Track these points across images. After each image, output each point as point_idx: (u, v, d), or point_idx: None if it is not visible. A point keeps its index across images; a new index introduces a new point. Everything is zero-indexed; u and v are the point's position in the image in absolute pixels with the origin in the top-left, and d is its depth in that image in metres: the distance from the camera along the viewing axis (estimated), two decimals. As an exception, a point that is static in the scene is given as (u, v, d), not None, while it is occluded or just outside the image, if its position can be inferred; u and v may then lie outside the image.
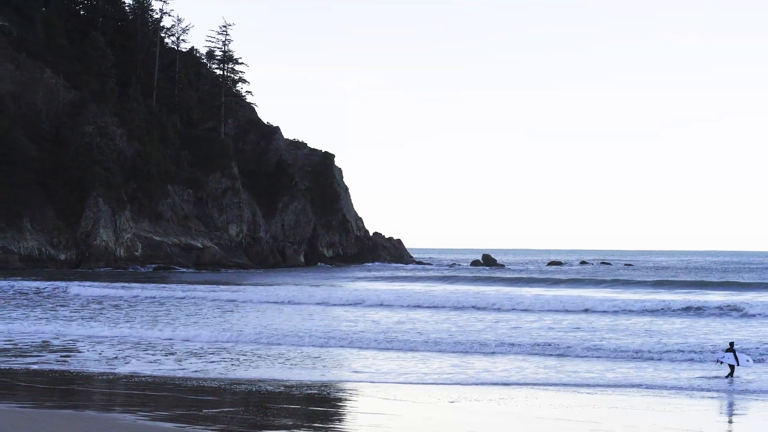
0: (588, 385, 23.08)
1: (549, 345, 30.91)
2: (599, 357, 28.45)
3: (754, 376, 24.98)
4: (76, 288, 57.57)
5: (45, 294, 54.99)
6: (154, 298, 53.45)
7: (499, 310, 46.16)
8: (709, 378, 24.54)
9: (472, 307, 47.62)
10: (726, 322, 40.13)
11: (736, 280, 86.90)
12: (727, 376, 24.68)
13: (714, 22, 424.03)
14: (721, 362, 25.26)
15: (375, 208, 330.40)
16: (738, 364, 25.00)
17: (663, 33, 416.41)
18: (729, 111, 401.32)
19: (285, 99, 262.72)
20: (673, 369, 26.31)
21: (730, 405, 21.06)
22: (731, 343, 25.91)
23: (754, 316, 42.68)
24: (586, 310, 45.39)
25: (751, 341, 31.64)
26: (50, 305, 47.36)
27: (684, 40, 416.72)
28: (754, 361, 26.10)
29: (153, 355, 28.14)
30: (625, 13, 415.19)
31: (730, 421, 19.23)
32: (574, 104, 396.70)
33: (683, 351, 29.53)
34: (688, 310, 44.85)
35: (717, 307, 45.34)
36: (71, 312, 43.41)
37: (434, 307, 48.19)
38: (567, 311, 45.33)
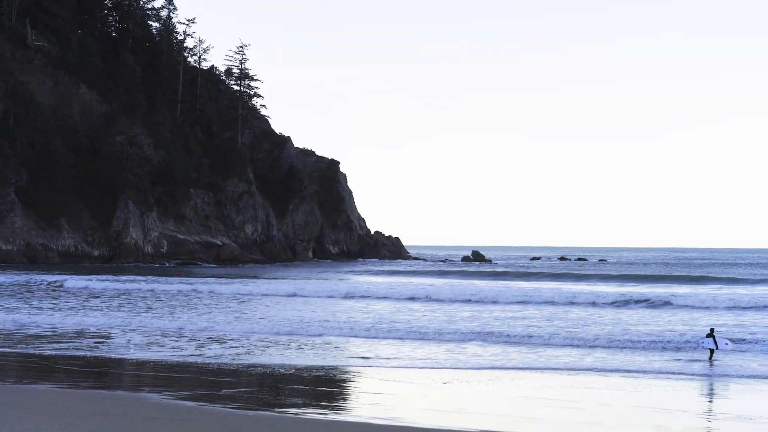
0: (568, 369, 23.07)
1: (531, 335, 30.89)
2: (576, 345, 28.39)
3: (717, 361, 24.96)
4: (108, 283, 57.56)
5: (81, 286, 54.94)
6: (179, 291, 53.40)
7: (480, 302, 45.99)
8: (676, 362, 24.55)
9: (461, 299, 47.55)
10: (687, 312, 40.16)
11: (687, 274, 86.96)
12: (710, 358, 24.73)
13: (716, 25, 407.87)
14: (703, 347, 25.29)
15: (376, 208, 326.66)
16: (717, 348, 25.06)
17: (664, 35, 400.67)
18: (731, 114, 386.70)
19: (288, 101, 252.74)
20: (643, 354, 26.30)
21: (694, 386, 21.06)
22: (711, 329, 25.94)
23: (682, 306, 42.69)
24: (550, 302, 45.17)
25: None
26: (83, 297, 47.39)
27: (686, 41, 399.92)
28: (729, 343, 26.20)
29: (177, 341, 28.13)
30: (626, 14, 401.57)
31: (693, 400, 19.23)
32: (573, 107, 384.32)
33: (655, 341, 29.49)
34: (640, 302, 44.53)
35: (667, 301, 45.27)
36: (101, 303, 43.42)
37: (427, 298, 48.16)
38: (539, 303, 45.26)
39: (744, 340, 28.42)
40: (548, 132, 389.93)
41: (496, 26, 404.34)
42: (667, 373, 22.67)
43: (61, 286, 55.43)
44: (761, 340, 28.48)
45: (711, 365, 24.01)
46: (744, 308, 41.36)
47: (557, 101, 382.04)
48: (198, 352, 25.42)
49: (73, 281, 57.64)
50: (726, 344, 25.47)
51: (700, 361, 24.78)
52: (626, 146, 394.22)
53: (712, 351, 25.04)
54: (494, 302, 45.47)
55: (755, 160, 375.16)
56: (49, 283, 56.79)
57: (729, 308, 41.67)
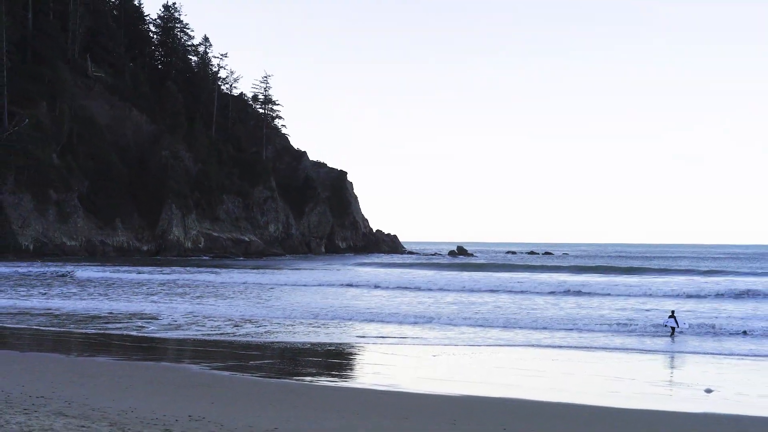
0: (539, 346, 23.07)
1: (504, 317, 30.90)
2: (544, 327, 28.38)
3: (663, 341, 24.96)
4: (155, 275, 57.55)
5: (130, 277, 54.90)
6: (218, 281, 53.36)
7: (461, 290, 45.96)
8: (630, 339, 24.54)
9: (447, 288, 47.53)
10: (634, 298, 40.12)
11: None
12: (671, 335, 24.81)
13: (716, 25, 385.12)
14: (666, 325, 25.36)
15: (377, 209, 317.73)
16: (678, 327, 25.12)
17: (663, 36, 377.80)
18: (731, 114, 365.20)
19: (304, 121, 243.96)
20: (601, 333, 26.29)
21: (645, 359, 21.08)
22: (672, 311, 25.99)
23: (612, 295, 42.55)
24: (519, 291, 45.10)
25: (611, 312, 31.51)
26: (134, 285, 47.40)
27: (677, 42, 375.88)
28: (689, 325, 26.34)
29: (214, 322, 28.16)
30: (626, 17, 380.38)
31: (642, 371, 19.24)
32: (573, 106, 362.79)
33: (608, 322, 29.50)
34: (577, 293, 44.67)
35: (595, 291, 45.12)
36: (148, 290, 43.42)
37: (420, 288, 48.14)
38: (510, 291, 45.21)
39: (686, 323, 28.43)
40: (544, 132, 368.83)
41: (496, 27, 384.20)
42: (623, 349, 22.69)
43: (105, 278, 55.38)
44: (705, 324, 28.50)
45: (672, 341, 24.06)
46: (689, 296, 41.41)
47: (556, 101, 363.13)
48: (231, 332, 25.45)
49: (125, 273, 57.68)
50: (684, 324, 25.65)
51: (652, 337, 24.79)
52: (607, 146, 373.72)
53: (673, 329, 25.09)
54: (471, 290, 45.45)
55: (745, 159, 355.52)
56: (108, 277, 56.76)
57: (678, 296, 41.72)
